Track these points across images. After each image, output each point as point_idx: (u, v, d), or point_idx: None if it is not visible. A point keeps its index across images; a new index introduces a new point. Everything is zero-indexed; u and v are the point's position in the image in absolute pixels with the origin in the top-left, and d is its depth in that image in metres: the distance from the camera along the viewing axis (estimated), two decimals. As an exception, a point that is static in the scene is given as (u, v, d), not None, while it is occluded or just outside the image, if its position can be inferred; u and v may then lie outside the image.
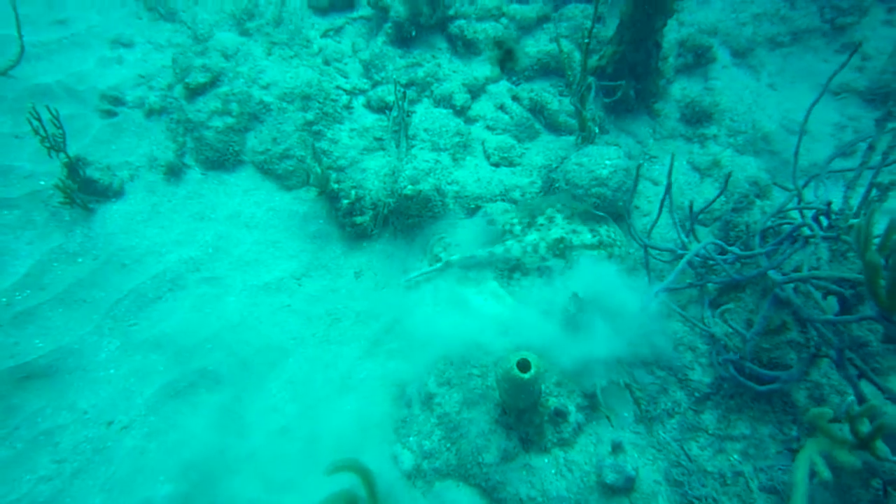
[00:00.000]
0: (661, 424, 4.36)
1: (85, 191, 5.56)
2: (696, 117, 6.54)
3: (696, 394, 4.42)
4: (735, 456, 4.14)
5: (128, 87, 6.56)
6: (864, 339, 4.23)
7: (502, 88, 6.45)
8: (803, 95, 7.37)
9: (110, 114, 6.34)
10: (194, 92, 6.13)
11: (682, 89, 6.83)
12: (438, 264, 5.23)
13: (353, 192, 5.39)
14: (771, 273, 3.97)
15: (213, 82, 6.20)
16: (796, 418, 4.19)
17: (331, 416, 4.61)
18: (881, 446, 3.04)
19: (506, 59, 6.36)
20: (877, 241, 3.12)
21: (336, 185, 5.41)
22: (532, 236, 5.13)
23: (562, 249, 5.03)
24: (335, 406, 4.68)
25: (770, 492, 3.92)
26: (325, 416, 4.61)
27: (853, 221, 4.14)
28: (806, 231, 4.07)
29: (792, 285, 4.09)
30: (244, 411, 4.59)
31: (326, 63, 6.64)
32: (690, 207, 4.51)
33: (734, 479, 4.03)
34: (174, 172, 6.00)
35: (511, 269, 5.19)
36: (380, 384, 4.84)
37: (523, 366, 3.64)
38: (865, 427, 3.01)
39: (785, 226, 4.51)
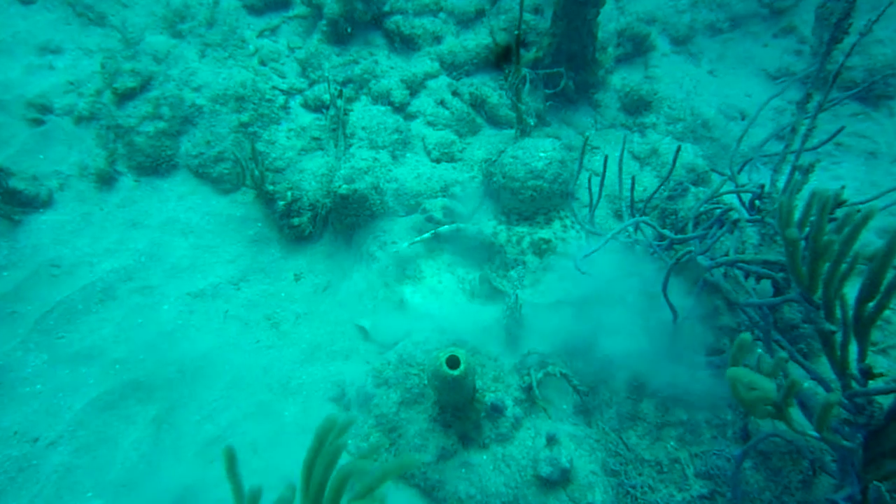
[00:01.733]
0: (599, 415, 4.40)
1: (10, 202, 5.40)
2: (636, 106, 6.61)
3: (635, 382, 4.46)
4: (671, 443, 4.19)
5: (57, 94, 6.38)
6: (795, 321, 4.33)
7: (442, 83, 6.44)
8: (743, 81, 7.52)
9: (38, 122, 6.17)
10: (123, 97, 6.00)
11: (622, 79, 6.89)
12: (427, 234, 5.19)
13: (288, 193, 5.33)
14: (700, 259, 4.02)
15: (144, 86, 6.08)
16: (730, 403, 4.25)
17: (269, 422, 4.55)
18: (796, 416, 3.10)
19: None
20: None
21: (271, 187, 5.35)
22: (521, 228, 5.17)
23: (543, 249, 5.06)
24: (273, 413, 4.63)
25: (705, 477, 3.97)
26: (263, 423, 4.55)
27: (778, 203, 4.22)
28: (734, 215, 4.13)
29: (722, 270, 4.16)
30: (178, 422, 4.51)
31: (263, 63, 6.56)
32: (632, 186, 4.56)
33: (671, 466, 4.08)
34: (106, 180, 5.87)
35: (491, 256, 5.19)
36: (320, 388, 4.80)
37: (453, 362, 3.64)
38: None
39: (716, 211, 4.58)
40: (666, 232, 4.37)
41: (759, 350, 3.15)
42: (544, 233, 5.10)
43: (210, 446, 4.39)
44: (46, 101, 6.27)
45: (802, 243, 3.12)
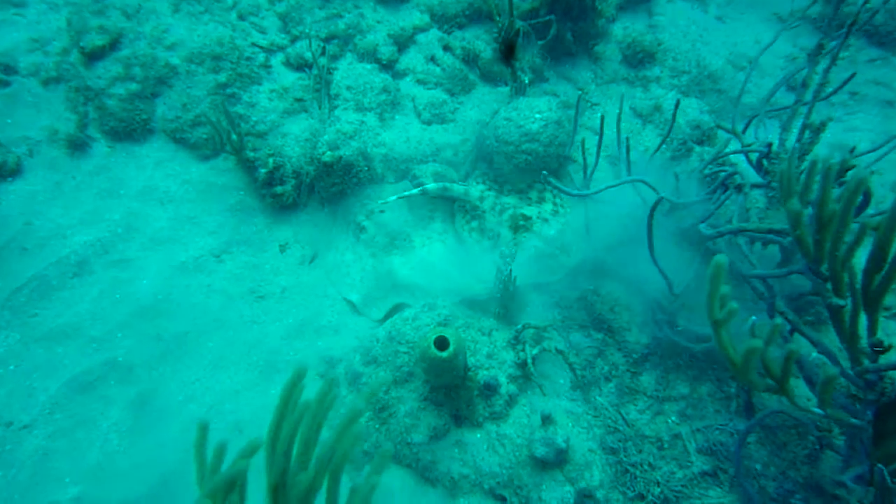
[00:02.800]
0: (598, 389, 4.33)
1: (-25, 172, 5.22)
2: (638, 59, 6.36)
3: (634, 355, 4.38)
4: (673, 418, 4.13)
5: (21, 52, 6.09)
6: (804, 288, 4.20)
7: (433, 38, 6.17)
8: (753, 27, 7.22)
9: (3, 84, 5.91)
10: (91, 56, 5.73)
11: (624, 28, 6.61)
12: (416, 190, 5.02)
13: (270, 160, 5.14)
14: (701, 227, 3.88)
15: (113, 45, 5.80)
16: (734, 375, 4.15)
17: (254, 401, 4.48)
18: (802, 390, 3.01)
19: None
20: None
21: (252, 154, 5.16)
22: (509, 199, 5.03)
23: (519, 226, 4.91)
24: (259, 392, 4.55)
25: (707, 453, 3.92)
26: (248, 402, 4.48)
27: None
28: (738, 179, 3.97)
29: (725, 238, 4.02)
30: (160, 403, 4.42)
31: (241, 18, 6.27)
32: (627, 146, 4.37)
33: (672, 442, 4.02)
34: (78, 146, 5.65)
35: (473, 219, 5.07)
36: (308, 365, 4.68)
37: (442, 343, 3.53)
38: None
39: (721, 174, 4.41)
40: (667, 196, 4.20)
41: (753, 318, 3.02)
42: (529, 210, 4.95)
43: (194, 426, 4.30)
44: (10, 59, 6.00)
45: (806, 214, 2.97)
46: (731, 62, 6.47)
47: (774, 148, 4.36)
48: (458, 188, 5.12)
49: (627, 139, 4.30)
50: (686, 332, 4.05)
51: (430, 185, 5.08)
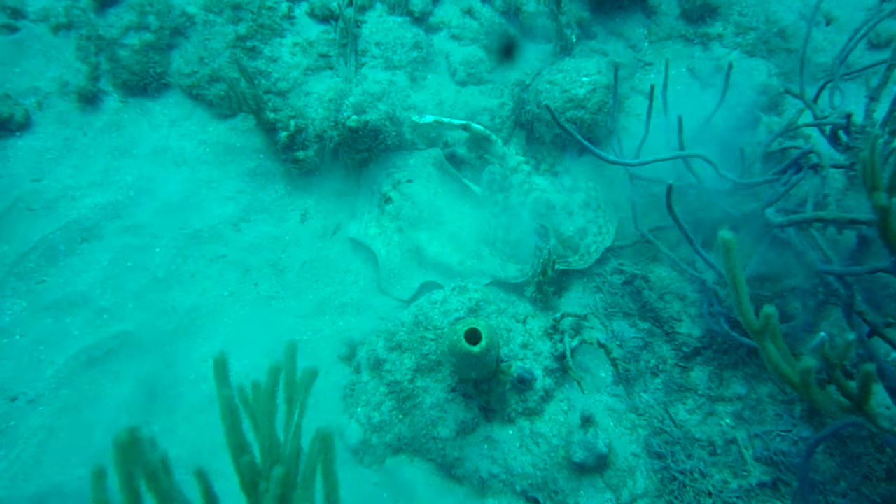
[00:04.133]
0: (643, 385, 4.05)
1: (-20, 126, 5.03)
2: (699, 13, 5.85)
3: (685, 349, 4.09)
4: (727, 420, 3.85)
5: (30, -5, 5.86)
6: (884, 280, 3.83)
7: (470, -13, 5.76)
8: (832, -24, 6.61)
9: (11, 29, 5.66)
10: (103, 2, 5.46)
11: (684, -22, 6.09)
12: (458, 121, 4.90)
13: (291, 122, 4.84)
14: (769, 212, 3.51)
15: (126, -10, 5.51)
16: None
17: (270, 383, 4.28)
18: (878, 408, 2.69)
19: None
20: None
21: (272, 115, 4.86)
22: (541, 179, 4.71)
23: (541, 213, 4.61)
24: (276, 372, 4.35)
25: (766, 462, 3.63)
26: (264, 383, 4.28)
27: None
28: (813, 158, 3.57)
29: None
30: (170, 381, 4.27)
31: (263, -39, 5.90)
32: (679, 125, 3.97)
33: (726, 448, 3.75)
34: (89, 100, 5.42)
35: (500, 188, 4.81)
36: (328, 346, 4.51)
37: (473, 336, 3.27)
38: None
39: (792, 150, 4.00)
40: (728, 174, 3.82)
41: (822, 334, 2.69)
42: (556, 198, 4.62)
43: (205, 409, 4.16)
44: (19, 2, 5.74)
45: None
46: (805, 16, 5.91)
47: (857, 119, 3.94)
48: (498, 147, 4.84)
49: (680, 118, 3.87)
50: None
51: (476, 125, 4.85)
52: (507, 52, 5.59)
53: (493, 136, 4.88)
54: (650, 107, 4.09)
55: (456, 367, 3.57)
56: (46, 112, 5.38)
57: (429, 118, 4.94)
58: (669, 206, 3.17)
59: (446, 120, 4.92)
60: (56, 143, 5.23)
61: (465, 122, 4.89)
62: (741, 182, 3.82)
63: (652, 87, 4.03)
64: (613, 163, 3.62)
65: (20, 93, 5.38)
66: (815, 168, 3.48)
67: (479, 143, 4.97)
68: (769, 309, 2.03)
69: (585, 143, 3.48)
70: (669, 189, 3.09)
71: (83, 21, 5.53)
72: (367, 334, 4.45)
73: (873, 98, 3.82)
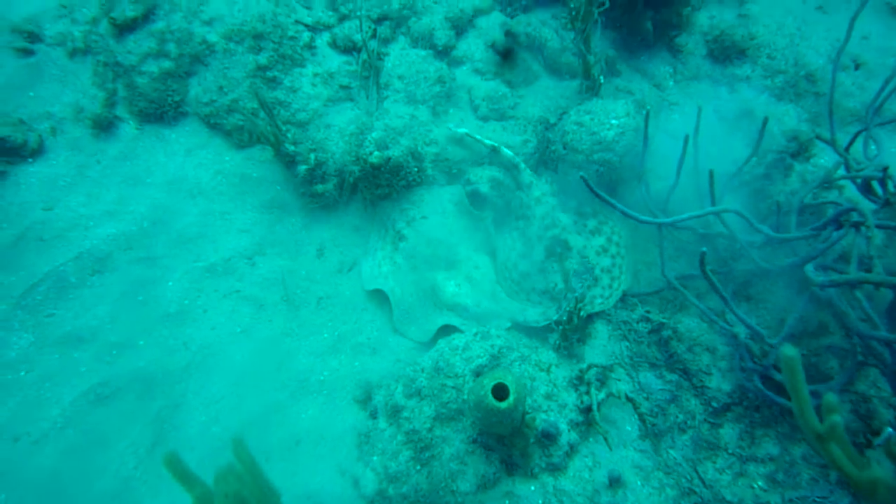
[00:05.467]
0: (670, 441, 3.94)
1: (-7, 151, 5.00)
2: (726, 54, 5.84)
3: (714, 404, 3.99)
4: (759, 482, 3.74)
5: (47, 18, 5.83)
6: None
7: (494, 22, 5.75)
8: (860, 19, 6.58)
9: (26, 52, 5.66)
10: (123, 28, 5.45)
11: (710, 18, 6.08)
12: (489, 141, 4.96)
13: (311, 156, 4.80)
14: (808, 270, 3.43)
15: (147, 16, 5.50)
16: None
17: (283, 427, 4.21)
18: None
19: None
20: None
21: (292, 148, 4.82)
22: (564, 216, 4.68)
23: (556, 252, 4.56)
24: (289, 415, 4.28)
25: (800, 530, 3.51)
26: (277, 427, 4.20)
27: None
28: (855, 216, 3.50)
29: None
30: (181, 423, 4.18)
31: (285, -11, 5.90)
32: (711, 178, 3.91)
33: (757, 512, 3.62)
34: (104, 126, 5.40)
35: (520, 217, 4.82)
36: (343, 386, 4.42)
37: (500, 390, 3.18)
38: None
39: (828, 206, 3.93)
40: (763, 228, 3.75)
41: (889, 430, 2.60)
42: (575, 239, 4.58)
43: (217, 453, 4.07)
44: (35, 26, 5.74)
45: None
46: (834, 60, 5.88)
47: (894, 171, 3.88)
48: (526, 176, 4.83)
49: (711, 172, 3.79)
50: (782, 389, 3.62)
51: (506, 150, 4.88)
52: (506, 55, 5.61)
53: (522, 165, 4.85)
54: (682, 157, 4.04)
55: (481, 421, 3.48)
56: (60, 138, 5.36)
57: (462, 130, 5.03)
58: (704, 272, 3.09)
59: (478, 136, 4.97)
60: (69, 170, 5.20)
61: (495, 143, 4.92)
62: (777, 237, 3.75)
63: (686, 138, 3.98)
64: (646, 222, 3.55)
65: (34, 118, 5.37)
66: (858, 226, 3.40)
67: (507, 170, 4.95)
68: (836, 418, 1.95)
69: (619, 206, 3.41)
70: (703, 257, 3.01)
71: (101, 47, 5.53)
72: (383, 376, 4.37)
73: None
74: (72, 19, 5.84)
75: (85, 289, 4.66)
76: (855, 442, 3.70)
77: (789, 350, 1.95)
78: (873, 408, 3.66)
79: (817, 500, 3.53)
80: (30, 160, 5.18)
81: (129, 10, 5.43)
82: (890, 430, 2.54)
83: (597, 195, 3.29)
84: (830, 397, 2.00)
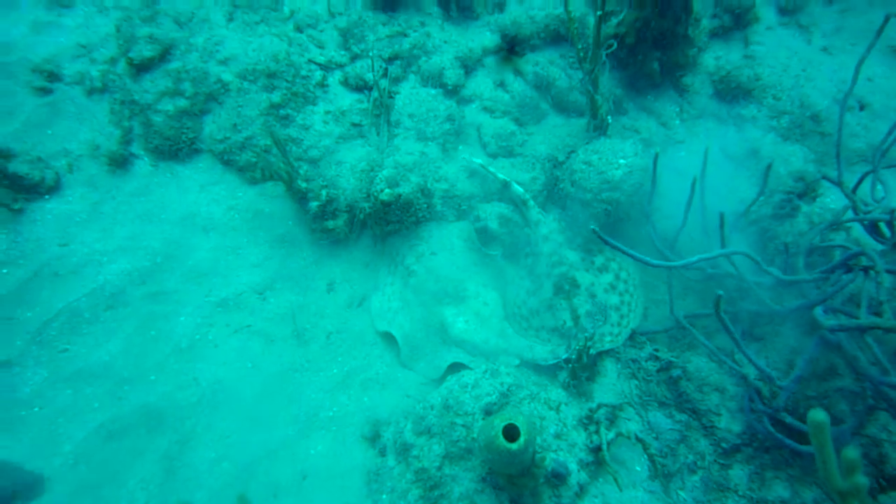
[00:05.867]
0: (680, 482, 3.94)
1: (11, 188, 5.10)
2: (732, 94, 5.94)
3: (724, 445, 4.00)
4: (770, 525, 3.71)
5: (66, 58, 6.00)
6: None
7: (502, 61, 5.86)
8: (865, 61, 6.69)
9: (45, 91, 5.82)
10: (140, 68, 5.60)
11: (716, 59, 6.21)
12: (501, 175, 5.10)
13: (323, 192, 4.89)
14: (817, 313, 3.46)
15: (163, 56, 5.66)
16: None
17: (291, 463, 4.22)
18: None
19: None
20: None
21: (304, 184, 4.91)
22: (572, 254, 4.74)
23: (563, 290, 4.63)
24: (298, 450, 4.30)
25: (811, 576, 3.49)
26: (286, 463, 4.22)
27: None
28: (864, 260, 3.54)
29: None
30: (191, 459, 4.21)
31: (298, 30, 6.06)
32: (721, 221, 3.97)
33: (768, 557, 3.61)
34: (119, 163, 5.52)
35: (529, 254, 4.93)
36: (352, 422, 4.44)
37: (510, 430, 3.21)
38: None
39: (836, 248, 3.97)
40: (772, 270, 3.79)
41: None
42: (582, 276, 4.63)
43: (226, 490, 4.09)
44: (55, 66, 5.91)
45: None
46: (839, 101, 5.98)
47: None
48: (534, 213, 4.94)
49: (722, 215, 3.84)
50: (793, 431, 3.63)
51: (517, 186, 4.99)
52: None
53: (531, 202, 4.93)
54: (690, 198, 4.10)
55: (491, 462, 3.50)
56: (76, 174, 5.48)
57: (477, 161, 5.15)
58: (719, 315, 3.13)
59: (492, 169, 5.09)
60: (85, 206, 5.30)
61: (507, 179, 5.02)
62: (786, 279, 3.79)
63: (695, 180, 4.04)
64: (658, 266, 3.60)
65: (51, 154, 5.49)
66: (867, 270, 3.44)
67: (515, 206, 5.03)
68: (861, 479, 1.99)
69: (631, 252, 3.44)
70: (718, 300, 3.05)
71: (118, 86, 5.67)
72: (392, 413, 4.39)
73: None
74: (90, 59, 6.01)
75: (98, 324, 4.73)
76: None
77: (818, 415, 2.01)
78: (885, 452, 3.66)
79: (829, 544, 3.52)
80: (46, 197, 5.29)
81: (146, 51, 5.59)
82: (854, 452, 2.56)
83: (608, 244, 3.34)
84: (851, 453, 2.03)
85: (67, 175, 5.46)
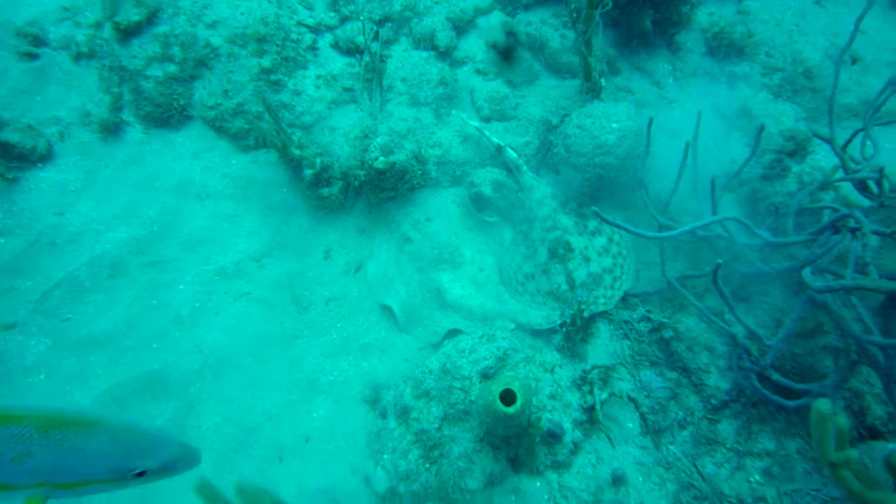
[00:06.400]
0: (670, 437, 4.10)
1: (3, 157, 5.08)
2: (725, 52, 5.94)
3: (713, 401, 4.14)
4: (756, 476, 3.90)
5: (50, 22, 5.88)
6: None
7: (495, 22, 5.82)
8: (857, 12, 6.65)
9: (31, 56, 5.72)
10: (127, 32, 5.53)
11: (709, 15, 6.16)
12: (496, 139, 5.12)
13: (317, 160, 4.91)
14: (805, 274, 3.56)
15: (150, 20, 5.58)
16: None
17: (295, 426, 4.36)
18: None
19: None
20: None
21: (298, 152, 4.92)
22: (565, 218, 4.80)
23: (559, 255, 4.70)
24: (300, 414, 4.43)
25: (795, 523, 3.68)
26: (289, 426, 4.36)
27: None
28: (852, 222, 3.62)
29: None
30: (196, 424, 4.33)
31: (287, -10, 5.97)
32: (712, 187, 4.04)
33: (754, 506, 3.79)
34: (111, 131, 5.50)
35: (523, 220, 4.99)
36: (353, 386, 4.57)
37: (507, 394, 3.33)
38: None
39: (825, 209, 4.06)
40: (762, 233, 3.87)
41: (892, 446, 2.75)
42: (576, 240, 4.69)
43: (232, 454, 4.22)
44: (39, 30, 5.79)
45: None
46: (831, 56, 5.98)
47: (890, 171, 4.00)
48: (527, 178, 5.00)
49: (713, 181, 3.92)
50: (780, 387, 3.77)
51: (510, 151, 5.04)
52: (507, 55, 5.71)
53: (525, 167, 4.99)
54: (683, 163, 4.15)
55: (489, 425, 3.63)
56: (68, 143, 5.45)
57: (473, 123, 5.17)
58: (716, 283, 3.24)
59: (487, 133, 5.11)
60: (79, 175, 5.30)
61: (501, 143, 5.06)
62: (776, 241, 3.88)
63: (687, 145, 4.09)
64: (653, 238, 3.68)
65: (41, 122, 5.45)
66: (854, 231, 3.53)
67: (509, 171, 5.08)
68: (853, 452, 2.11)
69: (627, 227, 3.52)
70: (717, 268, 3.15)
71: (106, 51, 5.61)
72: (391, 377, 4.51)
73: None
74: (75, 22, 5.90)
75: (99, 293, 4.79)
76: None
77: (823, 404, 2.13)
78: (866, 404, 3.81)
79: (811, 492, 3.70)
80: (39, 165, 5.28)
81: (132, 15, 5.51)
82: (892, 445, 2.70)
83: (606, 221, 3.41)
84: (852, 451, 2.16)
85: (59, 143, 5.44)
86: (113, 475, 2.02)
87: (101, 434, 1.99)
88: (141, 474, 2.07)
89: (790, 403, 3.72)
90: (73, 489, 1.99)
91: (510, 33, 5.77)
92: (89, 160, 5.40)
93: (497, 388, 3.32)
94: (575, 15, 4.90)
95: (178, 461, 2.15)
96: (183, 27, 5.52)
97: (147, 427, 2.25)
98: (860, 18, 4.31)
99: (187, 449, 2.16)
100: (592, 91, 5.08)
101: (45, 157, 5.33)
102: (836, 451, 2.19)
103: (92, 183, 5.29)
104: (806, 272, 3.58)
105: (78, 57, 5.76)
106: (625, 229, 3.50)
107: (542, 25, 5.78)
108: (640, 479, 3.91)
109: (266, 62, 5.40)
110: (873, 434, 3.79)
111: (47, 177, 5.25)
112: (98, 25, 5.78)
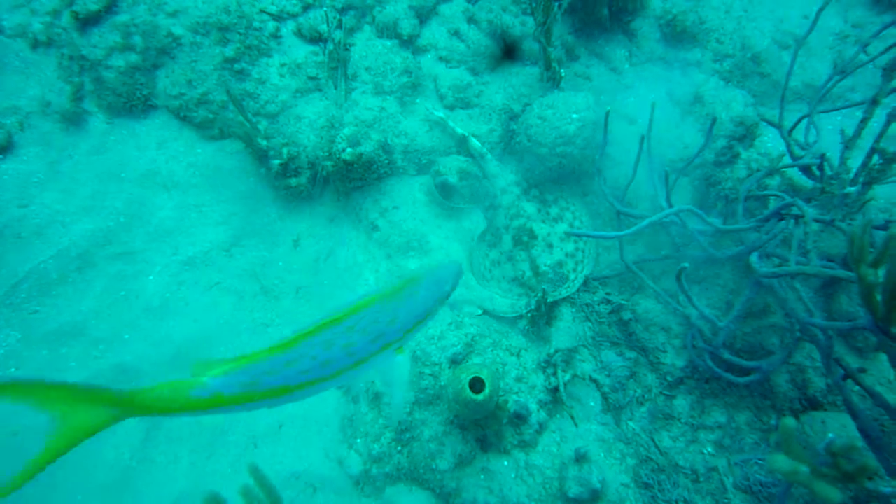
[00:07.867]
0: (629, 413, 4.26)
1: (-37, 150, 4.94)
2: (678, 38, 6.03)
3: (669, 378, 4.30)
4: (709, 448, 4.08)
5: (4, 9, 5.69)
6: (853, 314, 4.10)
7: (457, 10, 5.79)
8: (802, -1, 6.80)
9: (-13, 44, 5.55)
10: (85, 21, 5.35)
11: (663, 2, 6.23)
12: (461, 130, 5.14)
13: (284, 150, 4.87)
14: (753, 259, 3.72)
15: (109, 8, 5.40)
16: (775, 404, 4.10)
17: (268, 414, 4.38)
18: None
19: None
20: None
21: (265, 142, 4.87)
22: (529, 205, 4.85)
23: (523, 241, 4.76)
24: (275, 402, 4.45)
25: (745, 491, 3.88)
26: (261, 413, 4.38)
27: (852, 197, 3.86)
28: (795, 209, 3.77)
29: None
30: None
31: (248, -23, 5.84)
32: (666, 178, 4.16)
33: (707, 476, 3.98)
34: (73, 121, 5.36)
35: (489, 207, 5.06)
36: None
37: (476, 381, 3.41)
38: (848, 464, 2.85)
39: (771, 196, 4.21)
40: (713, 220, 4.01)
41: (831, 435, 2.91)
42: (539, 227, 4.77)
43: (208, 441, 4.24)
44: (-7, 16, 5.60)
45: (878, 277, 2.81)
46: (778, 41, 6.12)
47: (834, 162, 4.17)
48: (492, 166, 5.06)
49: (667, 173, 4.05)
50: (731, 365, 3.94)
51: (474, 141, 5.08)
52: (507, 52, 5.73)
53: (489, 155, 5.03)
54: (639, 155, 4.24)
55: (459, 411, 3.72)
56: (29, 133, 5.31)
57: (438, 114, 5.18)
58: (679, 283, 3.38)
59: (451, 123, 5.13)
60: (41, 166, 5.17)
61: (465, 133, 5.08)
62: (725, 228, 4.02)
63: (642, 138, 4.17)
64: (612, 238, 3.83)
65: (0, 111, 5.28)
66: (797, 219, 3.68)
67: (474, 159, 5.11)
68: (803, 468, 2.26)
69: (592, 233, 3.77)
70: (681, 272, 3.29)
71: (64, 40, 5.43)
72: (362, 362, 4.55)
73: (847, 146, 4.03)
74: (31, 10, 5.70)
75: (67, 285, 4.71)
76: (791, 408, 4.07)
77: (789, 422, 2.26)
78: (808, 377, 4.01)
79: (758, 461, 3.89)
80: (0, 156, 5.13)
81: (91, 3, 5.33)
82: (831, 435, 2.86)
83: (574, 234, 3.54)
84: (789, 422, 2.27)
85: (19, 133, 5.29)
86: (439, 304, 2.39)
87: (423, 282, 2.35)
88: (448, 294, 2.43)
89: (740, 380, 3.88)
90: (420, 325, 2.35)
91: (471, 20, 5.76)
92: (52, 151, 5.27)
93: (466, 376, 3.40)
94: (534, 4, 4.92)
95: (459, 275, 2.49)
96: (143, 16, 5.37)
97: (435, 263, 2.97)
98: (821, 9, 4.42)
99: (455, 266, 2.46)
100: (552, 80, 5.12)
101: (6, 149, 5.18)
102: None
103: (56, 174, 5.17)
104: (753, 257, 3.73)
105: (35, 45, 5.59)
106: (590, 236, 3.62)
107: (503, 13, 5.77)
108: (602, 454, 4.06)
109: (229, 51, 5.30)
110: (814, 405, 4.00)
111: (9, 168, 5.11)
112: (56, 13, 5.59)
